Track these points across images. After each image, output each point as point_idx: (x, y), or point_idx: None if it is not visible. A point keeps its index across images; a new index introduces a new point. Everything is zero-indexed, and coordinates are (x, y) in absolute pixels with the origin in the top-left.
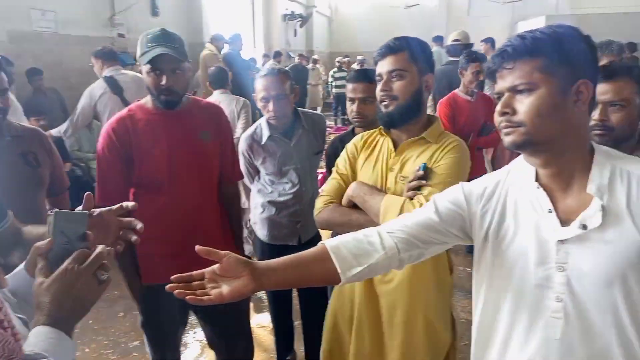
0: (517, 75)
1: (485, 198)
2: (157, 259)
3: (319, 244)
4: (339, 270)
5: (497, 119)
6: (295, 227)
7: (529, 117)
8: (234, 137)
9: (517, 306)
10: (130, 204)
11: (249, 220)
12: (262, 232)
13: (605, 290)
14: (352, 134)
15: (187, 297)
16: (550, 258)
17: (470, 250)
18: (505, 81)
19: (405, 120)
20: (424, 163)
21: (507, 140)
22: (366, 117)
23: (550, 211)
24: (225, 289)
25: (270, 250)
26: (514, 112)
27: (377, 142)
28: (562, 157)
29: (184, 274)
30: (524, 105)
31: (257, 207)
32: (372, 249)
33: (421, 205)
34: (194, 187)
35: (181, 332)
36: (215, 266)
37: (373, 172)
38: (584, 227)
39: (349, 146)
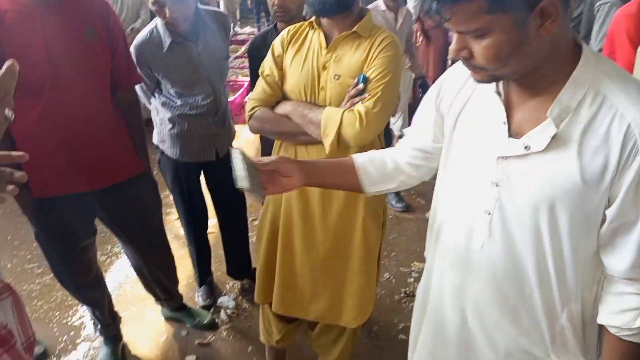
0: (460, 23)
1: (452, 96)
2: (47, 171)
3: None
4: (364, 185)
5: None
6: (211, 142)
7: (488, 62)
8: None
9: (454, 207)
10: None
11: None
12: (173, 150)
13: (532, 213)
14: (275, 30)
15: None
16: (489, 171)
17: None
18: (451, 26)
19: (342, 9)
20: (363, 75)
21: (474, 77)
22: (289, 10)
23: (504, 123)
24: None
25: (186, 168)
26: (471, 55)
27: (306, 36)
28: (535, 74)
29: None
30: (479, 50)
31: (164, 122)
32: (392, 174)
33: (360, 116)
34: (81, 92)
35: (88, 244)
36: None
37: (303, 69)
38: (527, 147)
39: (275, 44)
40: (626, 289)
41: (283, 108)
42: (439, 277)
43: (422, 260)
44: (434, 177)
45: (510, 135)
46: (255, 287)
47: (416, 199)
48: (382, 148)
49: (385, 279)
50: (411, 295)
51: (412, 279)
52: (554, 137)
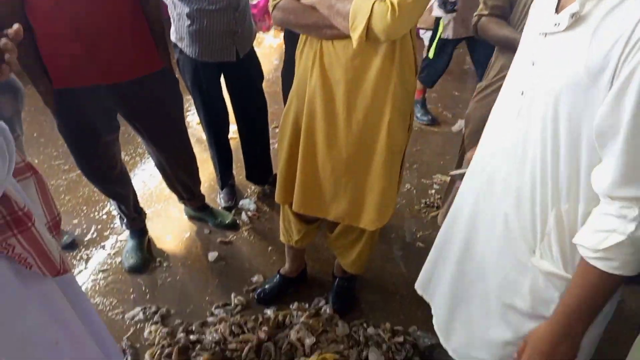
0: None
1: None
2: (65, 61)
3: None
4: None
5: None
6: (232, 40)
7: None
8: None
9: (503, 90)
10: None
11: None
12: (192, 49)
13: (544, 97)
14: None
15: None
16: (531, 48)
17: None
18: None
19: None
20: None
21: None
22: None
23: None
24: None
25: (205, 69)
26: None
27: None
28: None
29: None
30: None
31: (182, 18)
32: None
33: (393, 7)
34: None
35: (111, 140)
36: None
37: None
38: (556, 25)
39: None
40: (607, 208)
41: None
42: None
43: (445, 172)
44: (465, 92)
45: (556, 11)
46: (276, 187)
47: (442, 112)
48: (413, 46)
49: (406, 190)
50: (431, 206)
51: (433, 191)
52: (574, 16)
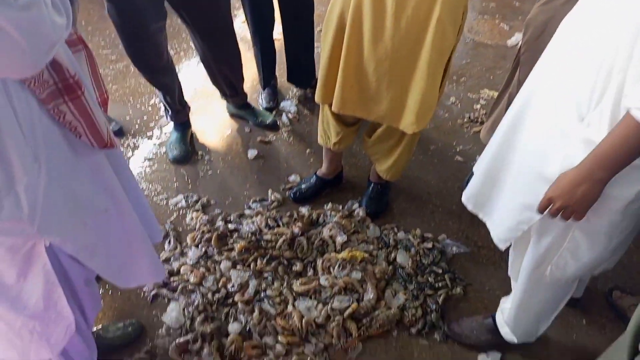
0: None
1: None
2: None
3: None
4: None
5: None
6: None
7: None
8: None
9: None
10: None
11: None
12: None
13: None
14: None
15: None
16: None
17: None
18: None
19: None
20: None
21: None
22: None
23: None
24: None
25: None
26: None
27: None
28: None
29: None
30: None
31: None
32: None
33: None
34: None
35: (158, 28)
36: None
37: None
38: None
39: None
40: None
41: None
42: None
43: (493, 88)
44: (527, 2)
45: None
46: (317, 86)
47: (499, 24)
48: None
49: (451, 103)
50: (475, 121)
51: (478, 106)
52: None
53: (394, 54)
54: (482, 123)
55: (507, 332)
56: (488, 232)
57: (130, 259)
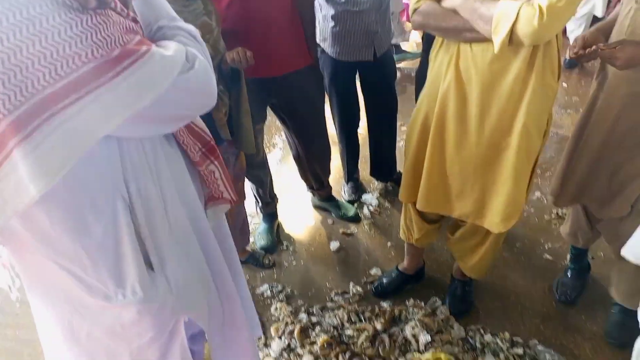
0: None
1: None
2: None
3: None
4: None
5: None
6: (371, 40)
7: None
8: None
9: None
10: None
11: None
12: (333, 49)
13: None
14: None
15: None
16: None
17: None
18: None
19: None
20: None
21: None
22: None
23: None
24: None
25: (343, 68)
26: None
27: None
28: None
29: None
30: None
31: (326, 19)
32: None
33: (541, 11)
34: None
35: (259, 129)
36: None
37: None
38: None
39: None
40: None
41: (451, 1)
42: None
43: None
44: None
45: None
46: (401, 185)
47: None
48: (558, 49)
49: (536, 198)
50: (562, 217)
51: None
52: None
53: (479, 158)
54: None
55: None
56: (584, 340)
57: (232, 336)
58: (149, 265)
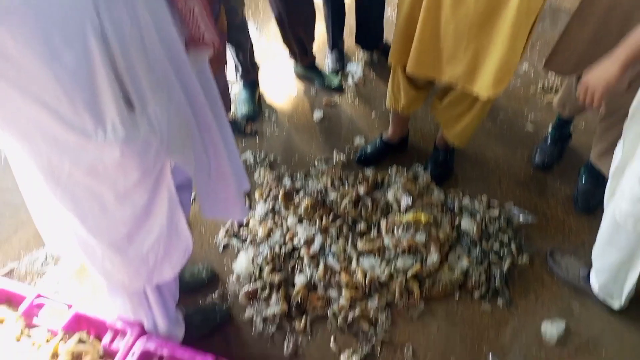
0: None
1: None
2: None
3: None
4: None
5: None
6: None
7: None
8: None
9: None
10: None
11: None
12: None
13: None
14: None
15: None
16: None
17: None
18: None
19: None
20: None
21: None
22: None
23: None
24: None
25: None
26: None
27: None
28: None
29: None
30: None
31: None
32: None
33: None
34: None
35: None
36: None
37: None
38: None
39: None
40: None
41: None
42: None
43: None
44: None
45: None
46: (391, 47)
47: None
48: None
49: (524, 71)
50: (548, 91)
51: (553, 74)
52: None
53: (476, 15)
54: (556, 91)
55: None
56: (557, 203)
57: (220, 188)
58: (130, 106)
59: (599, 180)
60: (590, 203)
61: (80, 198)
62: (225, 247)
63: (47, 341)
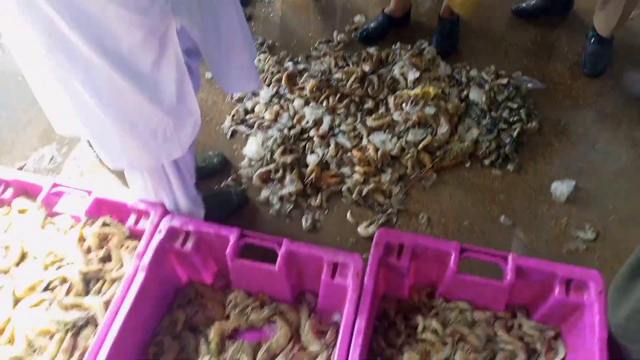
0: None
1: None
2: None
3: None
4: None
5: None
6: None
7: None
8: None
9: None
10: None
11: None
12: None
13: None
14: None
15: None
16: None
17: None
18: None
19: None
20: None
21: None
22: None
23: None
24: None
25: None
26: None
27: None
28: None
29: None
30: None
31: None
32: None
33: None
34: None
35: None
36: None
37: None
38: None
39: None
40: None
41: None
42: None
43: None
44: None
45: None
46: None
47: None
48: None
49: None
50: None
51: None
52: None
53: None
54: None
55: None
56: (565, 69)
57: (233, 55)
58: None
59: (606, 43)
60: (598, 66)
61: (88, 67)
62: (234, 133)
63: (72, 227)
